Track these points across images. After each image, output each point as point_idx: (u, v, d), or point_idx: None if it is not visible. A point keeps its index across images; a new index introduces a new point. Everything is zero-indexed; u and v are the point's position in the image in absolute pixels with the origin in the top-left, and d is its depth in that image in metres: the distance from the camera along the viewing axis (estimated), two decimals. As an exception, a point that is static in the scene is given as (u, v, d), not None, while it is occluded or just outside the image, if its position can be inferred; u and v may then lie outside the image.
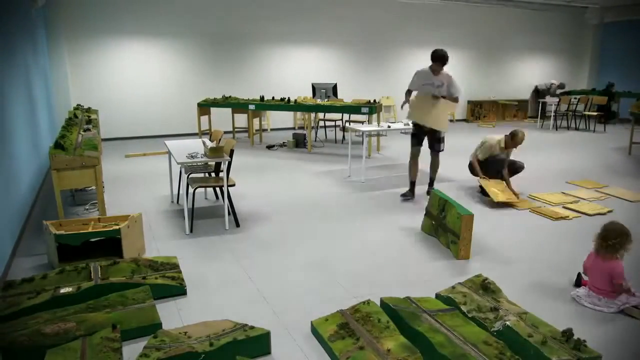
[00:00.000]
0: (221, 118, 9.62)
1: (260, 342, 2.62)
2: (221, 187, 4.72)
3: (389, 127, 6.75)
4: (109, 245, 3.79)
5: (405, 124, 6.82)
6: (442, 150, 5.61)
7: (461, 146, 7.52)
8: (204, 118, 9.30)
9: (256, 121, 9.49)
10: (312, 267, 3.74)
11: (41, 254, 3.85)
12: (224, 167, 4.45)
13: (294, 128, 11.07)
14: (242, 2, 10.24)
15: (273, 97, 9.39)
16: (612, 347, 2.69)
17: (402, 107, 5.63)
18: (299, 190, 6.00)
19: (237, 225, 4.61)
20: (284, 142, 9.16)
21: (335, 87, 9.16)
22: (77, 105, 8.22)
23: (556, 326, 2.68)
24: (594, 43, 14.32)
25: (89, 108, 8.14)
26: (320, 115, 9.73)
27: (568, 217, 4.95)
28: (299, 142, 8.94)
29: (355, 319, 2.79)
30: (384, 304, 2.96)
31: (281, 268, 3.72)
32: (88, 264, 3.40)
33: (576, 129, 11.65)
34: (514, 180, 5.71)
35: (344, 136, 9.81)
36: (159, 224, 4.70)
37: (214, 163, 4.79)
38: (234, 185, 4.71)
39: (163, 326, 2.83)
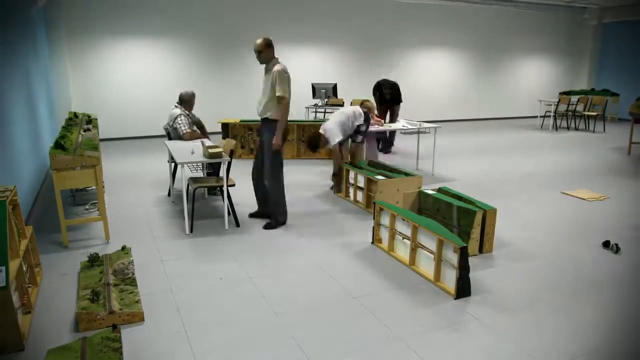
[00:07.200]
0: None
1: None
2: (221, 187, 4.72)
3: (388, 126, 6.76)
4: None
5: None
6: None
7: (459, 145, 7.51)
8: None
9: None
10: (313, 267, 3.74)
11: (41, 254, 3.85)
12: (224, 167, 4.46)
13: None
14: (242, 2, 10.24)
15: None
16: (613, 346, 2.71)
17: None
18: (299, 190, 6.00)
19: (237, 225, 4.62)
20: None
21: (335, 87, 9.17)
22: (75, 113, 8.03)
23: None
24: (594, 43, 14.32)
25: (89, 116, 7.96)
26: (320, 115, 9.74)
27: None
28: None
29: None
30: None
31: (281, 268, 3.73)
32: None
33: (576, 129, 11.66)
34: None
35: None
36: (159, 224, 4.70)
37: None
38: (234, 185, 4.71)
39: (163, 326, 2.83)
